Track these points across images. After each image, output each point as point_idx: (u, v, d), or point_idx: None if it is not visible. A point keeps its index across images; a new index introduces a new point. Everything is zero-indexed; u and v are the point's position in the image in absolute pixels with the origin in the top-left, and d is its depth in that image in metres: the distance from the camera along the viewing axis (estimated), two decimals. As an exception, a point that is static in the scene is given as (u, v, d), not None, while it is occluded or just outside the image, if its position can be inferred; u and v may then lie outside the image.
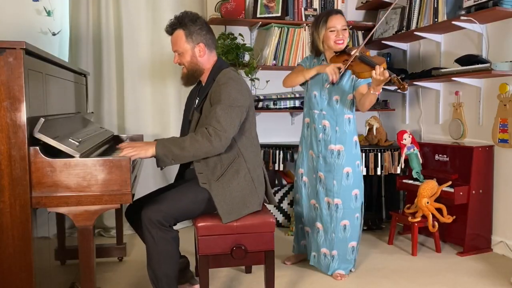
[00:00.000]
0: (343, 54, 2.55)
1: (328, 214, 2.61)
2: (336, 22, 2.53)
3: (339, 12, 2.58)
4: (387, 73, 2.24)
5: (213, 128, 1.97)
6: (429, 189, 3.03)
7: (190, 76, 2.18)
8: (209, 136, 1.95)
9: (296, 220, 2.85)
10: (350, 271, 2.68)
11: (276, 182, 3.96)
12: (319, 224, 2.65)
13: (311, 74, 2.58)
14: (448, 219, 3.03)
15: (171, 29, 2.17)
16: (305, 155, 2.74)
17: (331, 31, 2.53)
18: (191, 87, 2.34)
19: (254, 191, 2.09)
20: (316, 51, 2.66)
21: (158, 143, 1.96)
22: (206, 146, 1.95)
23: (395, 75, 2.29)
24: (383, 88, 3.92)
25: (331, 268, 2.63)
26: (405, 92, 2.44)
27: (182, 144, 1.95)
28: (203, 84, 2.23)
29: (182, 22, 2.14)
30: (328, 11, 2.61)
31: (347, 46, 2.59)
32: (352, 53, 2.46)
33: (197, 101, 2.24)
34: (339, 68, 2.43)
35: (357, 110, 2.63)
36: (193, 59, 2.15)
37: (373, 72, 2.26)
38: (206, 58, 2.17)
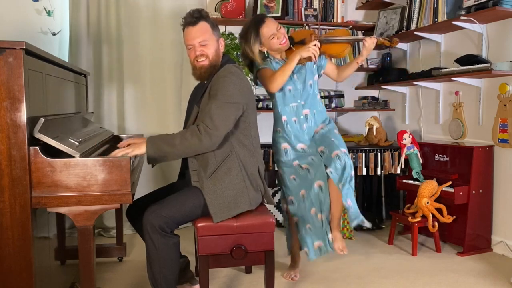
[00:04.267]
0: (298, 45, 2.55)
1: (335, 167, 2.40)
2: (270, 29, 2.47)
3: (265, 17, 2.52)
4: (374, 39, 2.57)
5: (204, 126, 1.96)
6: (429, 189, 3.03)
7: (212, 68, 2.13)
8: (199, 134, 1.95)
9: (301, 224, 2.54)
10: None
11: (276, 182, 3.95)
12: (341, 185, 2.42)
13: (296, 62, 2.40)
14: (448, 219, 3.03)
15: (195, 19, 2.11)
16: (291, 152, 2.55)
17: (271, 38, 2.47)
18: (190, 88, 2.33)
19: (245, 191, 2.07)
20: (250, 64, 2.58)
21: (148, 141, 1.95)
22: (195, 144, 1.95)
23: (380, 38, 2.61)
24: (383, 88, 3.94)
25: (327, 232, 2.44)
26: (396, 46, 2.76)
27: (172, 142, 1.95)
28: (205, 81, 2.21)
29: (204, 16, 2.13)
30: (254, 22, 2.50)
31: (290, 38, 2.57)
32: (313, 40, 2.45)
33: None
34: (315, 45, 2.39)
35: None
36: (217, 51, 2.15)
37: (366, 42, 2.55)
38: (221, 54, 2.18)
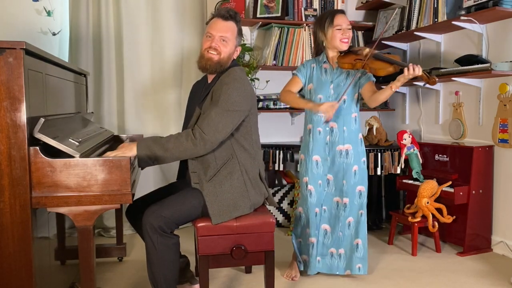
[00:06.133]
0: (349, 54, 2.54)
1: (336, 214, 2.60)
2: (342, 21, 2.53)
3: (343, 12, 2.60)
4: (420, 69, 2.29)
5: (200, 132, 1.94)
6: (429, 189, 3.03)
7: (218, 66, 2.11)
8: (193, 139, 1.93)
9: (304, 234, 2.67)
10: (359, 269, 2.61)
11: (276, 182, 3.96)
12: (326, 226, 2.61)
13: (305, 107, 2.52)
14: (448, 219, 3.03)
15: (228, 16, 2.11)
16: (308, 162, 2.59)
17: (338, 29, 2.51)
18: (190, 87, 2.32)
19: (246, 194, 2.07)
20: (317, 50, 2.66)
21: (139, 143, 1.92)
22: (189, 149, 1.94)
23: (424, 72, 2.36)
24: (382, 88, 3.94)
25: (339, 267, 2.63)
26: (434, 85, 2.58)
27: (166, 145, 1.92)
28: (208, 81, 2.20)
29: (238, 19, 2.14)
30: (333, 10, 2.60)
31: (351, 46, 2.58)
32: (365, 52, 2.45)
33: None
34: (333, 106, 2.40)
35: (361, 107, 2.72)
36: (230, 55, 2.14)
37: (406, 70, 2.30)
38: (232, 59, 2.17)
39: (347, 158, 2.57)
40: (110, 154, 1.88)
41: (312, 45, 2.71)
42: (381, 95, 2.43)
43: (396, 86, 2.36)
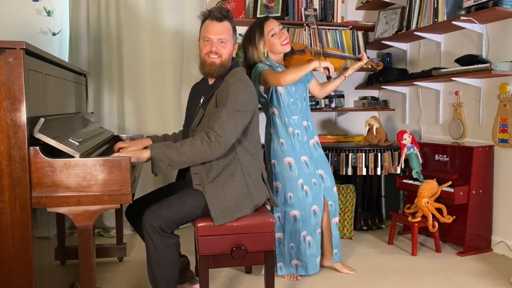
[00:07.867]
0: (295, 55, 2.62)
1: (338, 205, 2.76)
2: (273, 25, 2.54)
3: (269, 17, 2.63)
4: (365, 56, 2.72)
5: (215, 134, 1.93)
6: (429, 189, 3.03)
7: (221, 68, 2.10)
8: (209, 142, 1.92)
9: (295, 236, 2.59)
10: None
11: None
12: (336, 219, 2.72)
13: (311, 68, 2.40)
14: (448, 219, 3.03)
15: (222, 16, 2.08)
16: (297, 164, 2.57)
17: (272, 35, 2.53)
18: (190, 88, 2.33)
19: (248, 195, 2.06)
20: (250, 66, 2.58)
21: (153, 147, 1.89)
22: (205, 152, 1.92)
23: (369, 59, 2.78)
24: (383, 88, 3.95)
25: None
26: (380, 68, 2.95)
27: (181, 150, 1.90)
28: (209, 82, 2.19)
29: (231, 17, 2.12)
30: (258, 21, 2.59)
31: (291, 47, 2.65)
32: (315, 51, 2.65)
33: (202, 99, 2.19)
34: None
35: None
36: (230, 54, 2.13)
37: (364, 59, 2.69)
38: (231, 58, 2.16)
39: (317, 149, 2.70)
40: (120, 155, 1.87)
41: (244, 60, 2.64)
42: (332, 85, 2.77)
43: (349, 74, 2.71)
